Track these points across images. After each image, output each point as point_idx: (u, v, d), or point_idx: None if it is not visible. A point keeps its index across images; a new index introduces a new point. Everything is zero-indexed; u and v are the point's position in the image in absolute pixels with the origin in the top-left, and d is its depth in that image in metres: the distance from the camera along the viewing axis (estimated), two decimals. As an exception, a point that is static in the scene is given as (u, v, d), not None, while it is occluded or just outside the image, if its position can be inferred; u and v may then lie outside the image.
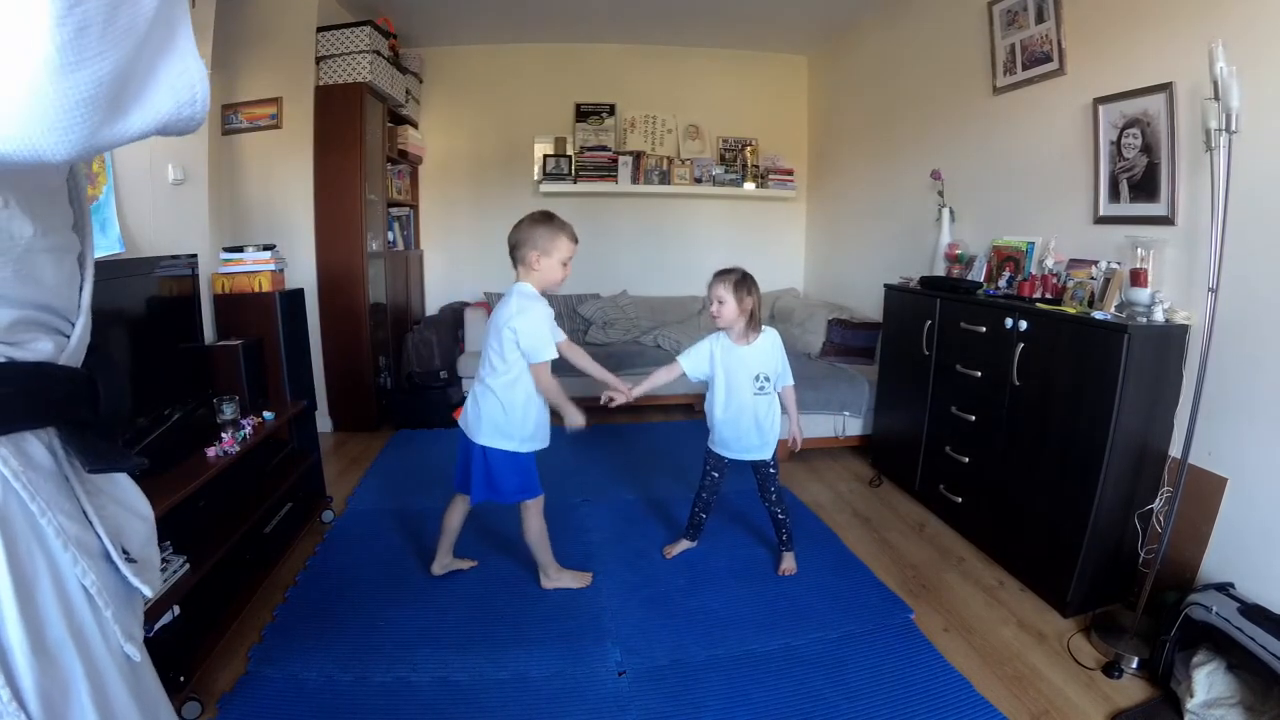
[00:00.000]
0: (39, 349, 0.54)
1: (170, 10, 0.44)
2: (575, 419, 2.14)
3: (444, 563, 2.37)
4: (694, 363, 2.36)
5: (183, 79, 0.45)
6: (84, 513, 0.58)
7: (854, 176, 4.60)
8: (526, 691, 1.84)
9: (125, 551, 0.62)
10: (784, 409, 2.40)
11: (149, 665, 0.68)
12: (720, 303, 2.27)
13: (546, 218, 2.07)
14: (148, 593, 0.63)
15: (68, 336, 0.57)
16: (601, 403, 2.31)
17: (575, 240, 2.11)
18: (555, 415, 2.15)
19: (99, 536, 0.58)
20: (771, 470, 2.41)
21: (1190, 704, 1.70)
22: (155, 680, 0.69)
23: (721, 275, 2.29)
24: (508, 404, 2.07)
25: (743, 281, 2.26)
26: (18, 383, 0.52)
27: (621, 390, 2.29)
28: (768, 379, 2.31)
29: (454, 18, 4.40)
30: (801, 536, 2.66)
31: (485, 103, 4.99)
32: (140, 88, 0.42)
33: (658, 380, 2.39)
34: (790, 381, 2.37)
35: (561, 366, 2.12)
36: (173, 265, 2.29)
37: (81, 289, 0.59)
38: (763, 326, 2.35)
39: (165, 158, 2.61)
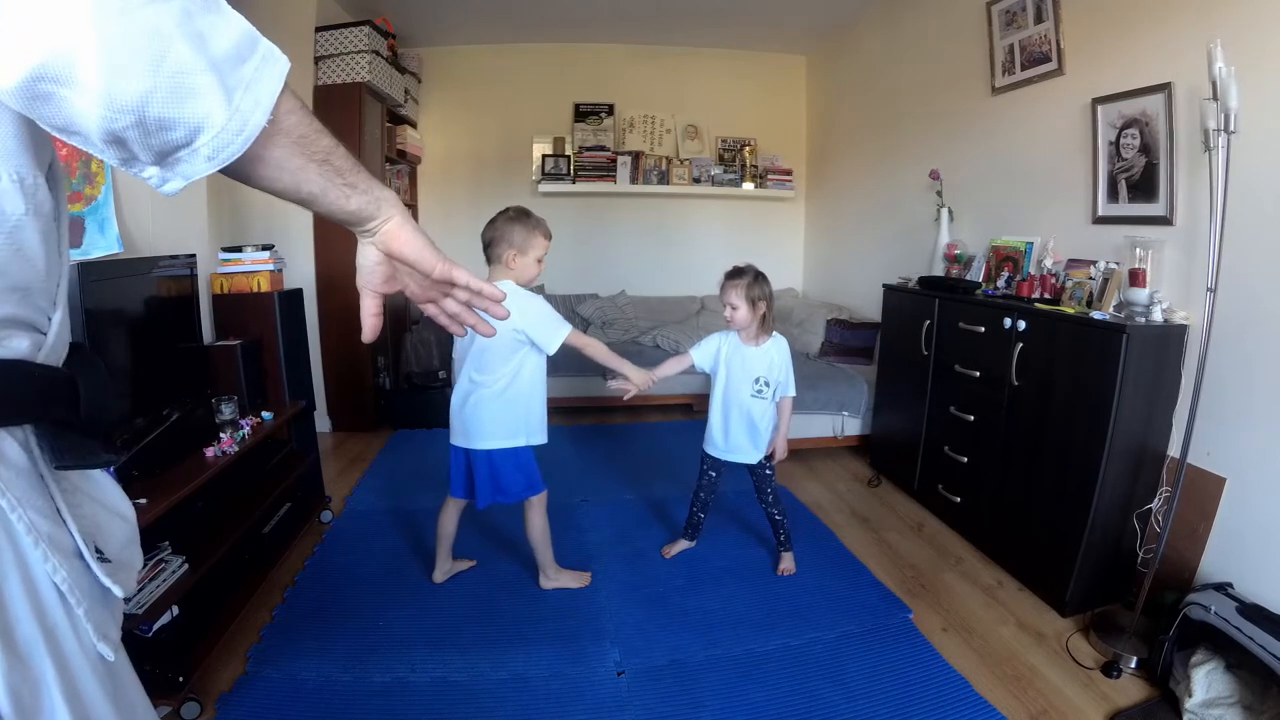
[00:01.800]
0: (15, 347, 0.54)
1: (194, 30, 0.46)
2: (639, 377, 2.19)
3: (445, 569, 2.36)
4: (702, 355, 2.37)
5: (178, 95, 0.46)
6: (57, 510, 0.57)
7: (853, 176, 4.60)
8: (525, 691, 1.84)
9: (100, 551, 0.62)
10: (778, 418, 2.38)
11: (127, 665, 0.67)
12: (734, 308, 2.25)
13: (521, 215, 2.04)
14: (119, 593, 0.63)
15: (45, 334, 0.57)
16: (613, 387, 2.28)
17: (549, 236, 2.09)
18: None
19: (72, 535, 0.58)
20: (767, 472, 2.41)
21: (1189, 703, 1.70)
22: (134, 680, 0.69)
23: (734, 279, 2.26)
24: (512, 401, 2.07)
25: (755, 283, 2.24)
26: None
27: (637, 383, 2.23)
28: (767, 384, 2.31)
29: (453, 18, 4.40)
30: (800, 536, 2.66)
31: (484, 103, 5.00)
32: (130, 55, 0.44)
33: (669, 369, 2.38)
34: (791, 393, 2.36)
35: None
36: (171, 265, 2.28)
37: (60, 281, 0.59)
38: (774, 333, 2.34)
39: (164, 158, 2.60)
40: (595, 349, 2.18)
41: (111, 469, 0.69)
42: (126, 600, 0.67)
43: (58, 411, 0.57)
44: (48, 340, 0.57)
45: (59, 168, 0.60)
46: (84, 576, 0.59)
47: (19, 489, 0.53)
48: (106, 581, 0.61)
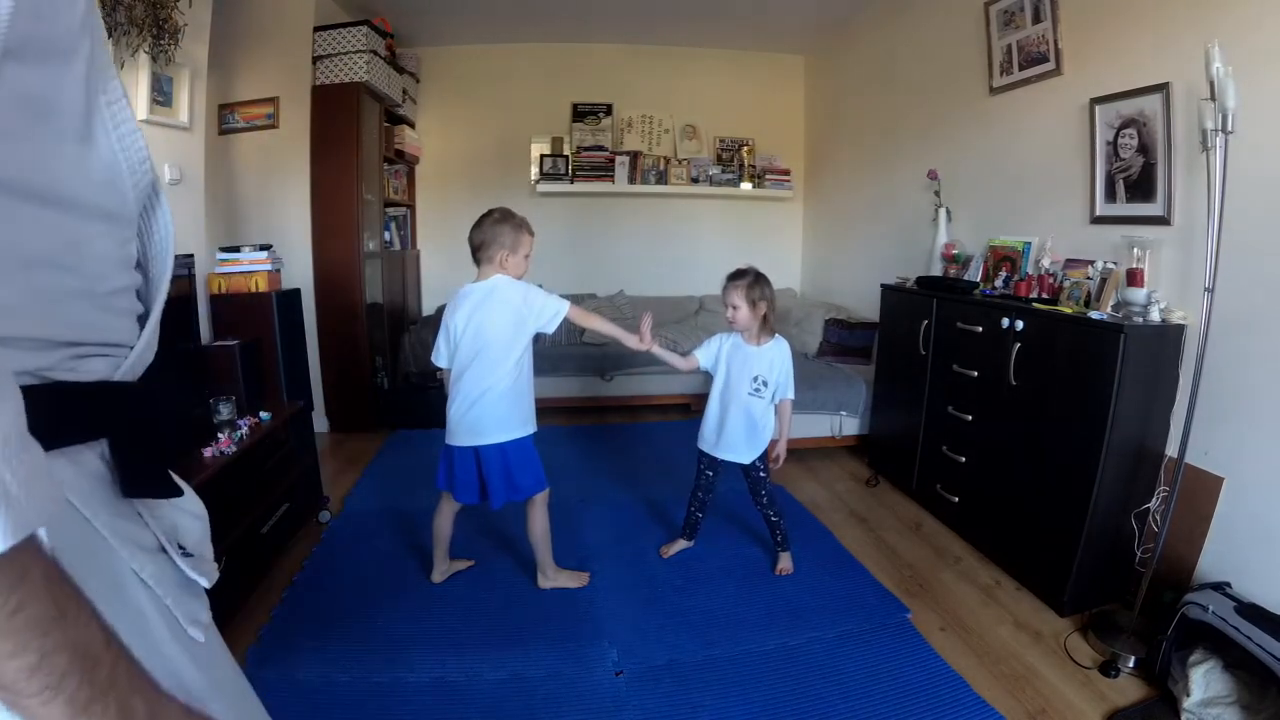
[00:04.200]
0: (93, 369, 0.55)
1: None
2: (633, 344, 2.25)
3: (443, 569, 2.36)
4: (705, 355, 2.41)
5: None
6: (138, 514, 0.59)
7: (850, 176, 4.61)
8: (523, 692, 1.83)
9: (181, 547, 0.64)
10: (777, 421, 2.39)
11: (220, 644, 0.72)
12: (735, 308, 2.28)
13: (507, 215, 2.11)
14: (204, 584, 0.66)
15: (124, 356, 0.58)
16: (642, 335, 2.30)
17: (533, 233, 2.17)
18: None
19: (154, 534, 0.61)
20: (761, 474, 2.41)
21: (1187, 703, 1.70)
22: (228, 657, 0.73)
23: (735, 280, 2.29)
24: (520, 391, 2.12)
25: (755, 284, 2.27)
26: (72, 404, 0.52)
27: (642, 337, 2.26)
28: (765, 383, 2.31)
29: (450, 17, 4.40)
30: (798, 536, 2.66)
31: (482, 103, 4.99)
32: None
33: (671, 359, 2.40)
34: (791, 395, 2.37)
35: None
36: (169, 265, 2.28)
37: (147, 317, 0.61)
38: (776, 335, 2.36)
39: (162, 157, 2.61)
40: (593, 320, 2.24)
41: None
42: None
43: (131, 423, 0.58)
44: (128, 360, 0.58)
45: (155, 218, 0.63)
46: (169, 569, 0.61)
47: (100, 497, 0.54)
48: (192, 574, 0.64)
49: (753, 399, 2.32)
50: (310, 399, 2.99)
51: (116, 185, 0.55)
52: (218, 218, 3.30)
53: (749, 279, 2.27)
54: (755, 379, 2.31)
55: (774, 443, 2.39)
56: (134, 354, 0.59)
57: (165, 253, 0.64)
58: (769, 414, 2.36)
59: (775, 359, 2.33)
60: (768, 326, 2.32)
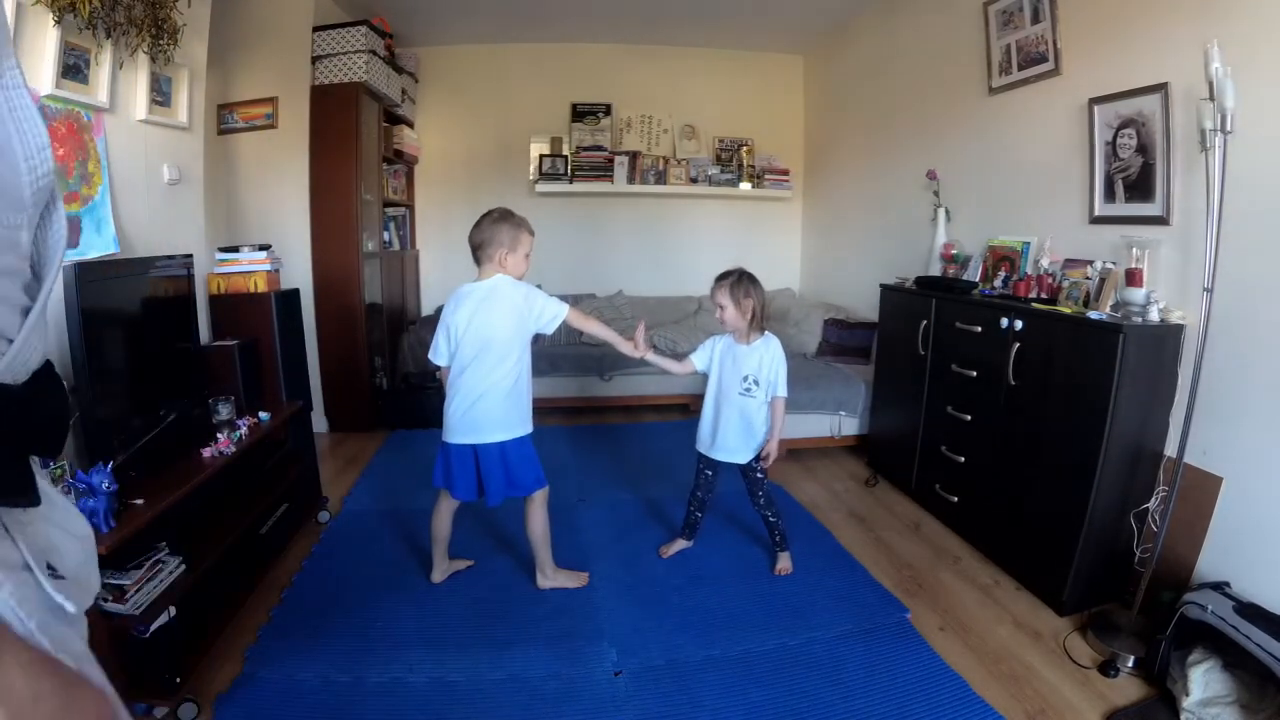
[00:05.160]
0: None
1: None
2: (629, 350, 2.27)
3: (443, 569, 2.37)
4: (701, 357, 2.43)
5: None
6: (4, 528, 0.54)
7: (850, 176, 4.61)
8: (523, 692, 1.83)
9: (53, 569, 0.58)
10: (770, 419, 2.39)
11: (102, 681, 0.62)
12: (721, 308, 2.30)
13: (506, 215, 2.12)
14: (71, 609, 0.59)
15: (1, 351, 0.54)
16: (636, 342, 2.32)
17: (532, 233, 2.18)
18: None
19: (19, 549, 0.55)
20: (759, 475, 2.41)
21: (1186, 702, 1.70)
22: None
23: (720, 280, 2.32)
24: (519, 390, 2.13)
25: (739, 283, 2.28)
26: None
27: (638, 346, 2.28)
28: (756, 382, 2.32)
29: (450, 17, 4.40)
30: (797, 536, 2.66)
31: (481, 103, 5.00)
32: None
33: (667, 364, 2.43)
34: (783, 394, 2.36)
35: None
36: (168, 265, 2.28)
37: (29, 311, 0.57)
38: (766, 333, 2.37)
39: (161, 158, 2.60)
40: (591, 325, 2.27)
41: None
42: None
43: (4, 431, 0.53)
44: (5, 357, 0.54)
45: (51, 213, 0.59)
46: (33, 590, 0.55)
47: None
48: (58, 598, 0.57)
49: (745, 399, 2.32)
50: (309, 399, 2.98)
51: (4, 162, 0.53)
52: (217, 218, 3.30)
53: (732, 279, 2.30)
54: (746, 378, 2.32)
55: (765, 440, 2.39)
56: (13, 350, 0.55)
57: (56, 256, 0.62)
58: (763, 413, 2.36)
59: (765, 357, 2.33)
60: (757, 325, 2.33)
